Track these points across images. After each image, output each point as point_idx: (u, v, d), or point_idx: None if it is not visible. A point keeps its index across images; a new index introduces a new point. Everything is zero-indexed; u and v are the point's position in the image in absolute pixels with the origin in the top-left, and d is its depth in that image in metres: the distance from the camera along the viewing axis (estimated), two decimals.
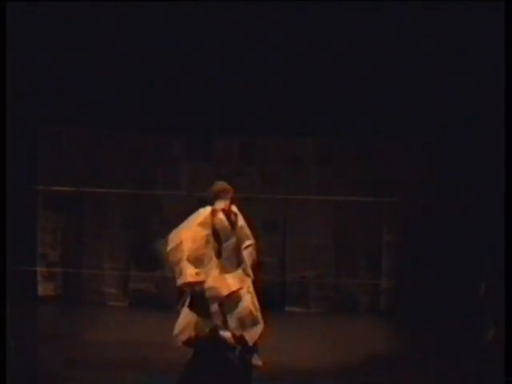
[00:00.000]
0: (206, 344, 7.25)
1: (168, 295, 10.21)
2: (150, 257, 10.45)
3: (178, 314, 7.45)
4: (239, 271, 7.40)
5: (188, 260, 7.28)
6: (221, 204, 7.50)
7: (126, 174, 10.48)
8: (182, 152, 10.51)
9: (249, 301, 7.35)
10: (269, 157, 10.46)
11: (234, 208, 7.52)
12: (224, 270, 7.33)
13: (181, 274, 7.24)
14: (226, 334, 7.28)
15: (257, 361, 7.49)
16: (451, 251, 9.90)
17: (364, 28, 9.80)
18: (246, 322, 7.30)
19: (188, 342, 7.33)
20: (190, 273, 7.23)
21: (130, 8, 9.84)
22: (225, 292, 7.26)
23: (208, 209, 7.48)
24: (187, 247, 7.28)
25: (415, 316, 9.83)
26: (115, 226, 10.53)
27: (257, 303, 7.48)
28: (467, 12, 9.35)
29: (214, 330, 7.27)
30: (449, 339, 8.77)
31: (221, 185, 7.61)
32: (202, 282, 7.30)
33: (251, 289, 7.48)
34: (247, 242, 7.41)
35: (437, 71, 9.79)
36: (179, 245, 7.30)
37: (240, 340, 7.40)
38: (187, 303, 7.39)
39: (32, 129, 10.39)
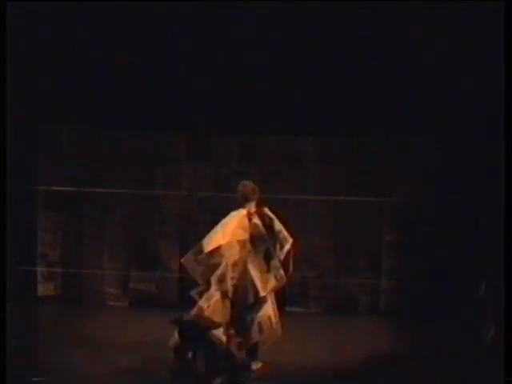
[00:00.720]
0: (191, 326, 7.23)
1: (168, 295, 10.23)
2: (150, 257, 10.46)
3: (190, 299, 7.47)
4: (271, 276, 7.39)
5: (227, 266, 7.27)
6: (251, 206, 7.48)
7: (125, 174, 10.47)
8: (182, 152, 10.51)
9: (270, 307, 7.36)
10: (269, 157, 10.45)
11: (268, 211, 7.49)
12: (256, 274, 7.31)
13: (223, 280, 7.22)
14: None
15: (255, 363, 7.51)
16: (451, 251, 9.89)
17: (364, 28, 9.79)
18: (263, 328, 7.32)
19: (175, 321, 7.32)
20: (229, 281, 7.24)
21: (130, 7, 9.84)
22: (251, 299, 7.27)
23: (243, 212, 7.44)
24: (228, 252, 7.26)
25: (415, 316, 9.83)
26: (115, 226, 10.52)
27: (276, 310, 7.50)
28: (467, 12, 9.35)
29: (200, 312, 7.22)
30: (449, 339, 8.77)
31: (249, 185, 7.56)
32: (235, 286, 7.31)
33: (272, 295, 7.49)
34: (287, 247, 7.40)
35: (437, 71, 9.79)
36: (217, 249, 7.26)
37: (252, 344, 7.42)
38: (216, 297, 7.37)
39: (32, 129, 10.39)
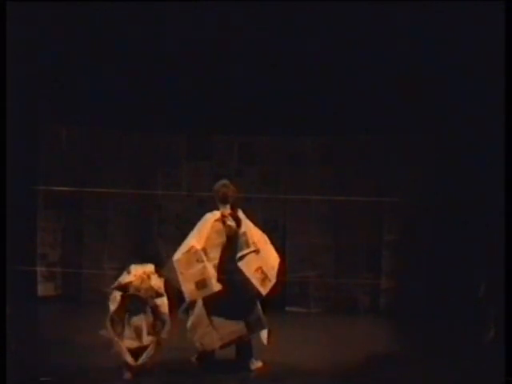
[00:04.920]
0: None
1: (168, 295, 10.21)
2: (150, 257, 10.44)
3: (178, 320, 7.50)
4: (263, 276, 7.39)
5: (208, 270, 7.23)
6: (227, 207, 7.44)
7: (126, 174, 10.49)
8: (181, 152, 10.51)
9: (258, 306, 7.36)
10: (269, 157, 10.46)
11: (241, 212, 7.46)
12: (249, 274, 7.30)
13: (205, 285, 7.19)
14: None
15: (255, 363, 7.51)
16: (451, 251, 9.89)
17: (364, 28, 9.80)
18: (252, 326, 7.32)
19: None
20: (215, 282, 7.20)
21: (130, 7, 9.83)
22: (248, 297, 7.28)
23: (216, 215, 7.41)
24: (205, 257, 7.22)
25: (415, 316, 9.83)
26: (115, 226, 10.53)
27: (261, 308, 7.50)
28: (467, 12, 9.34)
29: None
30: (449, 339, 8.77)
31: (227, 186, 7.52)
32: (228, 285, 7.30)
33: None
34: (243, 252, 7.34)
35: (437, 71, 9.79)
36: (196, 252, 7.21)
37: (244, 342, 7.42)
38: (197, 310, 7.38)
39: (32, 129, 10.40)
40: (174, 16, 9.91)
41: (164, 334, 7.26)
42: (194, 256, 7.16)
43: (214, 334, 7.29)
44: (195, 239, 7.23)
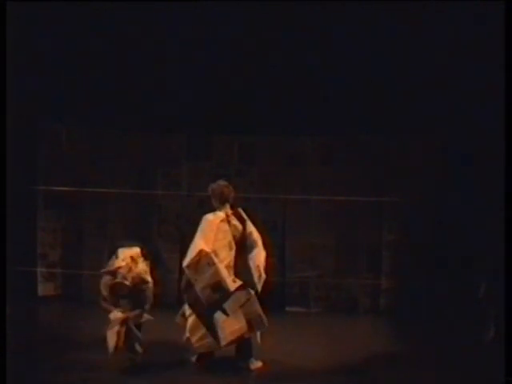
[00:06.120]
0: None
1: (168, 295, 10.22)
2: (150, 257, 10.45)
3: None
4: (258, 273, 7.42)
5: (221, 272, 7.24)
6: (227, 207, 7.46)
7: (126, 174, 10.48)
8: (182, 152, 10.51)
9: (258, 303, 7.37)
10: (269, 157, 10.45)
11: (242, 212, 7.48)
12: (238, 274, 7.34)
13: (221, 286, 7.19)
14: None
15: (255, 363, 7.51)
16: (451, 251, 9.89)
17: (364, 28, 9.80)
18: (253, 325, 7.33)
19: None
20: (230, 282, 7.21)
21: (130, 7, 9.84)
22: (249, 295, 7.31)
23: (221, 215, 7.41)
24: (216, 259, 7.22)
25: (415, 316, 9.83)
26: (115, 226, 10.53)
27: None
28: (467, 12, 9.35)
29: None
30: (449, 339, 8.77)
31: (228, 186, 7.55)
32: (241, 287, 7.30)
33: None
34: (255, 251, 7.37)
35: (437, 71, 9.79)
36: (206, 255, 7.20)
37: (244, 342, 7.43)
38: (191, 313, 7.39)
39: (32, 129, 10.39)
40: (174, 16, 9.91)
41: (145, 316, 7.44)
42: (204, 259, 7.15)
43: (216, 334, 7.28)
44: (203, 242, 7.21)
